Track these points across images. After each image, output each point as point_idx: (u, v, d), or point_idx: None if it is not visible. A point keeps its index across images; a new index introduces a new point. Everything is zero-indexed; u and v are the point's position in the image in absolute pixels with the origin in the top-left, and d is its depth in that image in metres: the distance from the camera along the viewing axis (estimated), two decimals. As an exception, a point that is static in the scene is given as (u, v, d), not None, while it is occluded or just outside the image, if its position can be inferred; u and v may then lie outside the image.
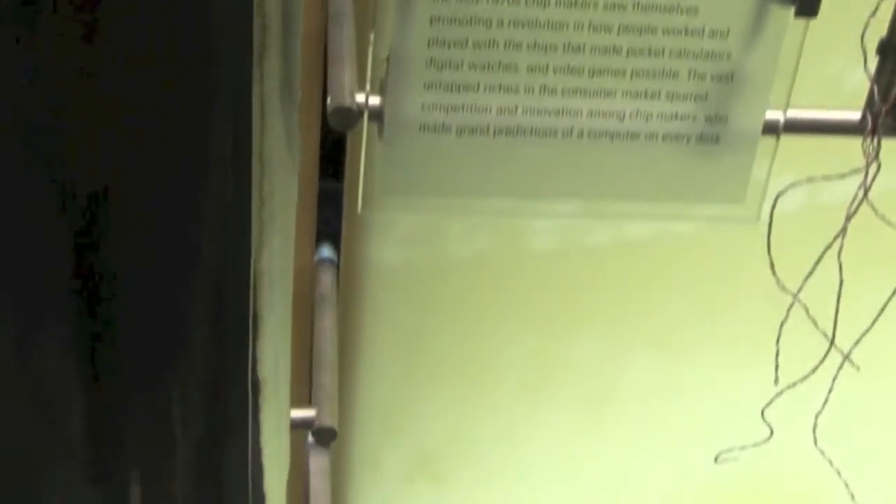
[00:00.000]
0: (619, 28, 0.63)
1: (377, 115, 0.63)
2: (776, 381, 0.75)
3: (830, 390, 0.75)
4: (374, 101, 0.63)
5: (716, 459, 0.81)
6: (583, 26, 0.62)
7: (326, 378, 0.80)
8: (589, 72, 0.63)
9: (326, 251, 0.87)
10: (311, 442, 0.93)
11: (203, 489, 0.51)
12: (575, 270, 0.93)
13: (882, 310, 0.73)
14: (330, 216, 0.87)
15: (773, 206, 0.72)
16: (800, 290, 0.73)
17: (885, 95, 0.67)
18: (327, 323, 0.84)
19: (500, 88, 0.63)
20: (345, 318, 0.91)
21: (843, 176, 0.70)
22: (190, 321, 0.45)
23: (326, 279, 0.86)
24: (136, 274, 0.44)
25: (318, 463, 0.92)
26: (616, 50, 0.63)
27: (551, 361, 0.97)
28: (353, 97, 0.62)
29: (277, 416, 0.52)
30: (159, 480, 0.49)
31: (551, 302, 0.94)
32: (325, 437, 0.76)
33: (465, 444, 1.00)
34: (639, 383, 0.99)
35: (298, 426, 0.76)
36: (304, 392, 0.84)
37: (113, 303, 0.44)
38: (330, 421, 0.76)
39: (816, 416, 0.77)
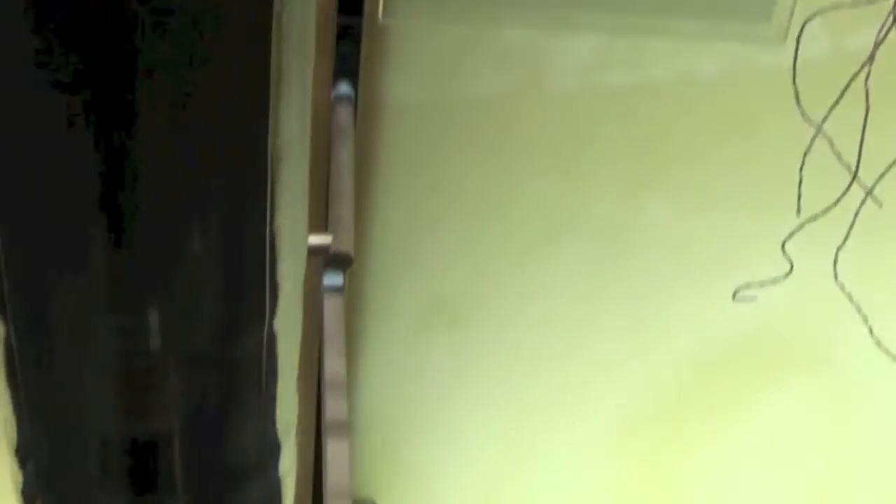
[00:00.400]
0: None
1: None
2: (798, 211, 0.75)
3: (852, 225, 0.74)
4: None
5: (734, 296, 0.81)
6: None
7: (343, 208, 0.79)
8: None
9: (344, 87, 0.87)
10: (325, 285, 0.93)
11: (225, 273, 0.51)
12: (595, 112, 0.91)
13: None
14: (348, 52, 0.86)
15: (801, 33, 0.70)
16: (825, 119, 0.72)
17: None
18: (344, 156, 0.83)
19: None
20: (361, 153, 0.90)
21: (871, 0, 0.68)
22: (208, 86, 0.44)
23: (344, 114, 0.85)
24: (153, 35, 0.43)
25: (333, 305, 0.92)
26: None
27: (570, 204, 0.95)
28: None
29: (293, 193, 0.51)
30: (179, 257, 0.49)
31: (571, 144, 0.92)
32: (341, 262, 0.75)
33: (480, 289, 1.00)
34: (658, 225, 0.98)
35: (315, 252, 0.75)
36: (321, 223, 0.83)
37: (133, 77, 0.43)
38: (346, 247, 0.75)
39: (837, 250, 0.76)
